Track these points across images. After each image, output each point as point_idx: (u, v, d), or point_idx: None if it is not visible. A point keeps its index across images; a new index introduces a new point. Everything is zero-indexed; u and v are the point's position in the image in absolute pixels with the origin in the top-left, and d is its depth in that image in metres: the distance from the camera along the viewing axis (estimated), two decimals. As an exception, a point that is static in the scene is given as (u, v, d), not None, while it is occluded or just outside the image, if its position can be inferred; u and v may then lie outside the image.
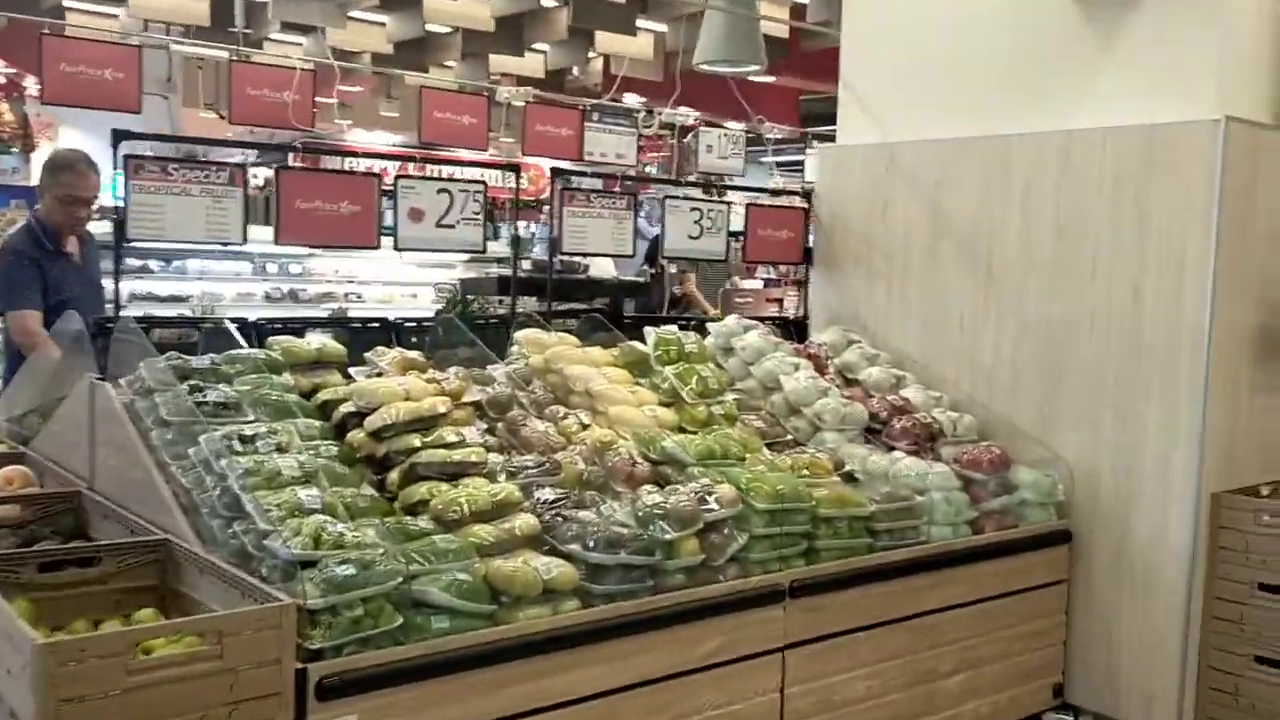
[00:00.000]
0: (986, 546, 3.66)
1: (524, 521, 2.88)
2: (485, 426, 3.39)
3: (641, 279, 7.62)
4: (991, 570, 3.68)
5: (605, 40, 9.51)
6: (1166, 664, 3.75)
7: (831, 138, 5.07)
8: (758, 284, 8.98)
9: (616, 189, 5.12)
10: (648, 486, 3.21)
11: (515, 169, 4.38)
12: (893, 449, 3.90)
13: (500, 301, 6.13)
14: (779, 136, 9.92)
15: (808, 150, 8.71)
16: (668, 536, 2.93)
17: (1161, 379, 3.74)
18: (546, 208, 12.78)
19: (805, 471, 3.46)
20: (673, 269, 8.44)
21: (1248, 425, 3.82)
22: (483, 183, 4.07)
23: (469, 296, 5.76)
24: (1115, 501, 3.87)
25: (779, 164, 11.87)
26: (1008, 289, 4.17)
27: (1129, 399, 3.82)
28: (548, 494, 3.05)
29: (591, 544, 2.83)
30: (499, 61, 10.62)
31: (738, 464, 3.38)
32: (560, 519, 2.94)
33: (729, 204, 4.78)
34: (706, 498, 3.08)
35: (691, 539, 2.99)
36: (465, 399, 3.43)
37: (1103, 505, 3.90)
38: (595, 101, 8.61)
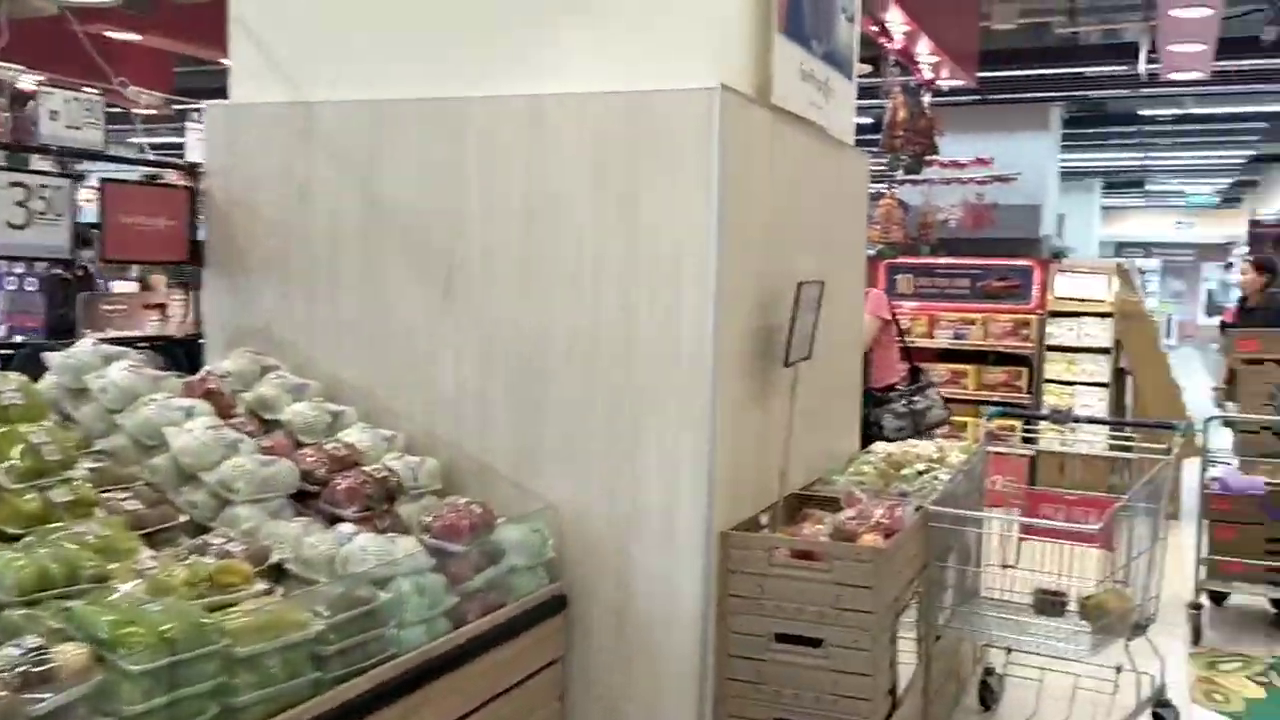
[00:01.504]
0: (473, 642, 2.73)
1: None
2: None
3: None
4: (480, 671, 2.75)
5: (-106, -34, 7.06)
6: (681, 743, 3.12)
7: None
8: (132, 286, 7.22)
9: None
10: (-83, 667, 1.81)
11: None
12: (337, 519, 2.82)
13: None
14: (148, 112, 8.19)
15: (188, 126, 7.17)
16: (-45, 768, 1.60)
17: (660, 405, 3.08)
18: None
19: (209, 583, 2.26)
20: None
21: (748, 451, 3.30)
22: None
23: None
24: (614, 553, 3.15)
25: (154, 146, 9.99)
26: (471, 296, 3.28)
27: (624, 430, 3.11)
28: None
29: None
30: None
31: (95, 591, 2.09)
32: None
33: (72, 178, 3.34)
34: (34, 672, 1.77)
35: (6, 759, 1.67)
36: None
37: (600, 559, 3.16)
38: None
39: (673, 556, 3.09)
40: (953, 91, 9.08)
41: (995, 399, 8.36)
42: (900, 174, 8.77)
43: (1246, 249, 16.80)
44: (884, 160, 8.16)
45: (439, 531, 2.80)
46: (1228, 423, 5.87)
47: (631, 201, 3.08)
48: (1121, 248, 29.51)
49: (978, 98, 11.30)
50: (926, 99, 7.94)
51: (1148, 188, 25.50)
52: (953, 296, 8.69)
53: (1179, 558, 5.91)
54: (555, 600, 3.10)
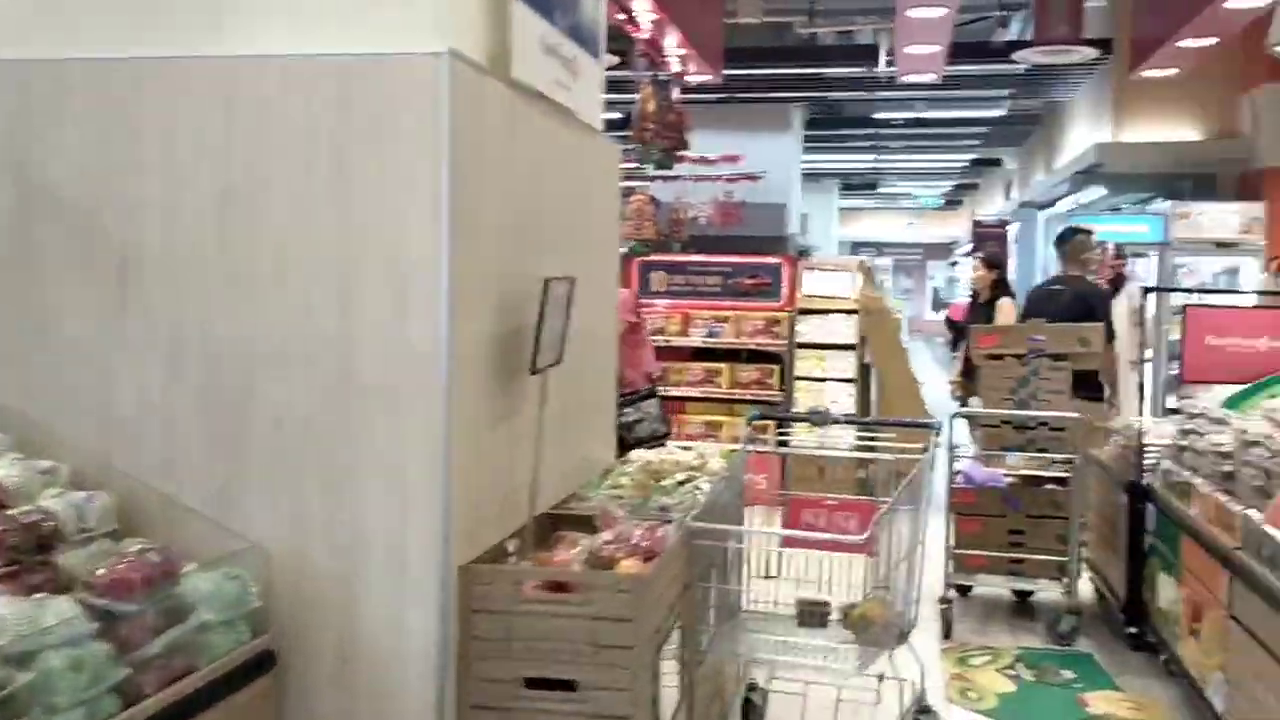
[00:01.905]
0: (150, 723, 2.22)
1: None
2: None
3: None
4: (161, 758, 2.25)
5: None
6: (418, 812, 2.70)
7: None
8: None
9: None
10: None
11: None
12: (-32, 580, 2.24)
13: None
14: None
15: None
16: None
17: (386, 422, 2.65)
18: None
19: None
20: None
21: (491, 470, 2.92)
22: None
23: None
24: (333, 598, 2.69)
25: None
26: (155, 300, 2.73)
27: (344, 452, 2.67)
28: None
29: None
30: None
31: None
32: None
33: None
34: None
35: None
36: None
37: (316, 606, 2.70)
38: None
39: (403, 597, 2.67)
40: (700, 89, 9.03)
41: (749, 397, 8.36)
42: (652, 169, 8.61)
43: (971, 247, 17.93)
44: (636, 155, 7.95)
45: (104, 588, 2.26)
46: (968, 417, 6.00)
47: (346, 185, 2.63)
48: (857, 247, 31.13)
49: (724, 96, 11.38)
50: (675, 92, 7.80)
51: (881, 189, 26.95)
52: (705, 294, 8.62)
53: (927, 552, 5.99)
54: (261, 658, 2.60)
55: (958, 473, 5.57)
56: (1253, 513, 3.62)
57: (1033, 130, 16.25)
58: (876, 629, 3.43)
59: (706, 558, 3.34)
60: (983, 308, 8.08)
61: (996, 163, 20.49)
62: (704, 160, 10.11)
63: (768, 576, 3.83)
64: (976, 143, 17.94)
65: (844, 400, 8.24)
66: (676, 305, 8.57)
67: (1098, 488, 5.71)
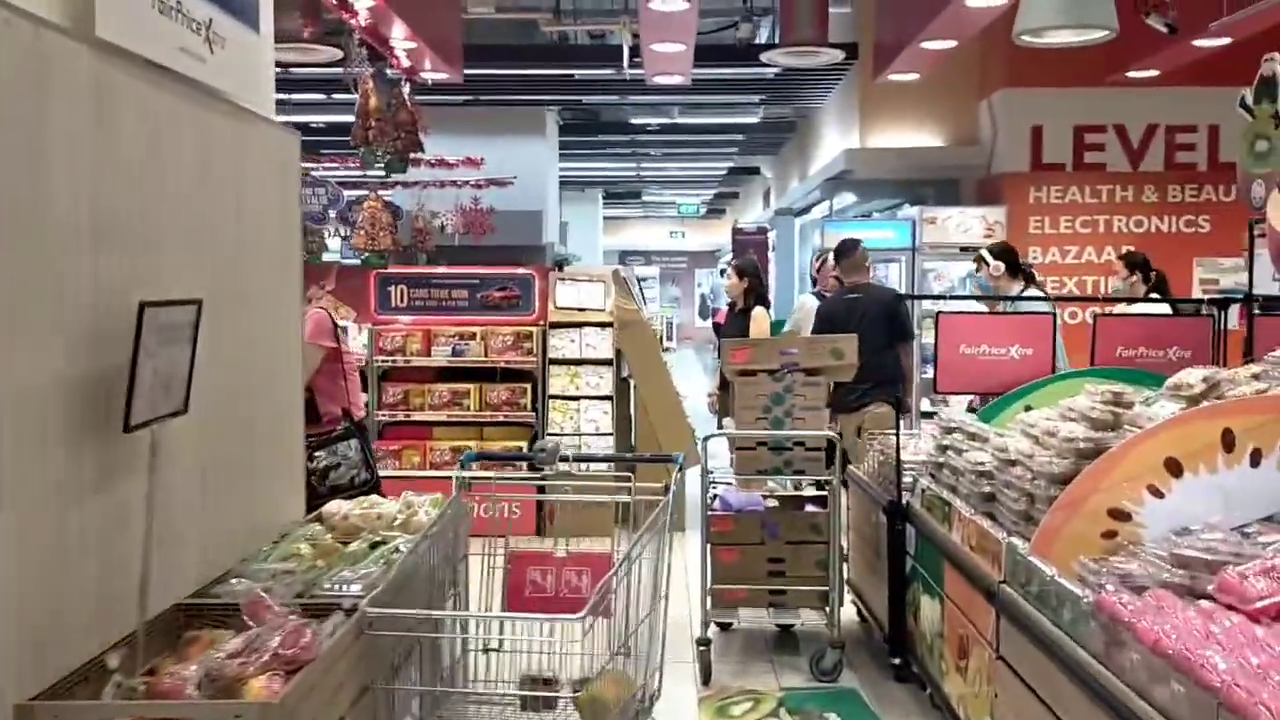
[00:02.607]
0: None
1: None
2: None
3: None
4: None
5: None
6: None
7: None
8: None
9: None
10: None
11: None
12: None
13: None
14: None
15: None
16: None
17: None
18: None
19: None
20: None
21: (74, 562, 2.16)
22: None
23: None
24: None
25: None
26: None
27: None
28: None
29: None
30: None
31: None
32: None
33: None
34: None
35: None
36: None
37: None
38: None
39: (-73, 760, 1.89)
40: (443, 89, 8.32)
41: (500, 419, 7.75)
42: (386, 173, 7.85)
43: (731, 255, 17.96)
44: (361, 158, 7.17)
45: None
46: (725, 439, 5.58)
47: None
48: (624, 256, 31.09)
49: (470, 98, 10.71)
50: (406, 89, 7.08)
51: (645, 198, 26.91)
52: (452, 309, 7.94)
53: (685, 584, 5.54)
54: None
55: (714, 498, 5.13)
56: (1017, 541, 3.29)
57: (788, 138, 16.39)
58: (611, 712, 2.87)
59: (395, 647, 2.67)
60: (738, 317, 7.78)
61: (755, 171, 20.71)
62: (442, 163, 9.38)
63: (488, 650, 3.21)
64: (733, 150, 17.99)
65: (601, 420, 7.74)
66: (418, 321, 7.85)
67: (857, 506, 5.41)
